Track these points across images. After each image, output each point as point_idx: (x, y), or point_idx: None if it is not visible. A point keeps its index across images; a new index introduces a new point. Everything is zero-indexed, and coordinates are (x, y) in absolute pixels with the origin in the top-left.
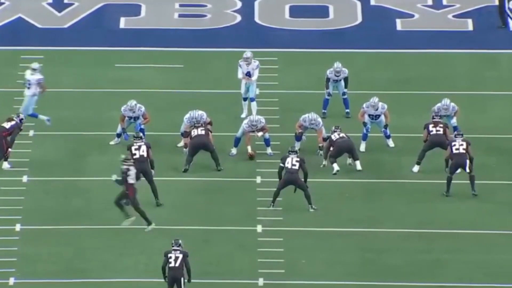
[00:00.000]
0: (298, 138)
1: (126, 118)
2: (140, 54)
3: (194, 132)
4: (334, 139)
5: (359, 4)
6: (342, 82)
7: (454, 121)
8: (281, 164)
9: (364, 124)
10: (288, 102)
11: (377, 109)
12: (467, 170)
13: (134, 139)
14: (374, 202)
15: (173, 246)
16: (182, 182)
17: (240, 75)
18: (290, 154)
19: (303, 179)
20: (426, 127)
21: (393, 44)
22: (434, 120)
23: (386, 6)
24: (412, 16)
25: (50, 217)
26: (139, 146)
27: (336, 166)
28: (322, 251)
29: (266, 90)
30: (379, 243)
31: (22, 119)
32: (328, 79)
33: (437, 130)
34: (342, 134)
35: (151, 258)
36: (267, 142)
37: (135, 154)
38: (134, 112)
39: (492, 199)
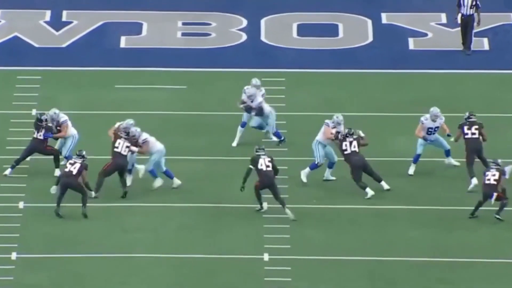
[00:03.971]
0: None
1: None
2: (142, 74)
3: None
4: (346, 152)
5: (370, 22)
6: None
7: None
8: (251, 166)
9: (424, 139)
10: (296, 124)
11: (435, 121)
12: (493, 202)
13: (76, 156)
14: (386, 228)
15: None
16: (185, 208)
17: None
18: (260, 155)
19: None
20: (461, 127)
21: (405, 64)
22: (469, 120)
23: (398, 25)
24: (425, 35)
25: (47, 244)
26: (74, 162)
27: (370, 191)
28: (331, 280)
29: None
30: (391, 272)
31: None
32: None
33: (472, 133)
34: (354, 144)
35: (151, 287)
36: None
37: (66, 167)
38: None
39: None
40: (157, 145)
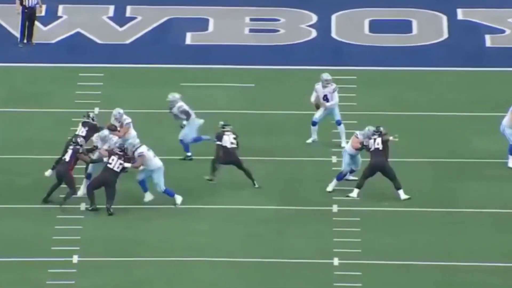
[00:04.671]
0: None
1: None
2: (208, 72)
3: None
4: (370, 150)
5: (445, 18)
6: None
7: None
8: (218, 142)
9: None
10: (368, 124)
11: None
12: None
13: (72, 143)
14: (459, 232)
15: None
16: (250, 210)
17: (312, 99)
18: (224, 131)
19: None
20: None
21: (482, 62)
22: None
23: (474, 21)
24: (503, 31)
25: (109, 247)
26: (68, 151)
27: (355, 193)
28: (404, 286)
29: (344, 112)
30: (466, 278)
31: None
32: None
33: None
34: (378, 141)
35: None
36: None
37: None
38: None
39: None
40: (155, 161)
